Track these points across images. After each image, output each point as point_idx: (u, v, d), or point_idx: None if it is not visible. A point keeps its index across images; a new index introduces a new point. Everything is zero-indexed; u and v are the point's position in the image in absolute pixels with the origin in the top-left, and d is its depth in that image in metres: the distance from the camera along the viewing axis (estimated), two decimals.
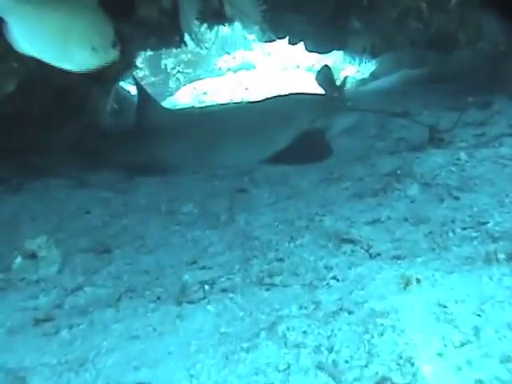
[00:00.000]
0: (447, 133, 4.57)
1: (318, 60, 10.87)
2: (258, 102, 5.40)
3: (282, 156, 4.65)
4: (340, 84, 4.75)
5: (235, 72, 13.29)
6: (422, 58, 7.70)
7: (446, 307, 1.90)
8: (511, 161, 3.65)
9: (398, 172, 3.84)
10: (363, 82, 9.25)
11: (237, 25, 6.11)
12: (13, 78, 3.16)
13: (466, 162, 3.83)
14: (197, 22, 4.45)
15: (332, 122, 5.06)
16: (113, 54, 2.57)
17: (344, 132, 5.35)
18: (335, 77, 4.81)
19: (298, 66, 12.90)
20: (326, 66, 4.66)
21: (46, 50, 2.40)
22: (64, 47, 2.41)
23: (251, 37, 11.83)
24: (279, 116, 4.89)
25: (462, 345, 1.72)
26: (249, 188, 4.09)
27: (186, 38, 5.43)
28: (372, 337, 1.82)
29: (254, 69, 13.54)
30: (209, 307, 2.23)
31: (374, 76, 9.05)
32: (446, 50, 6.27)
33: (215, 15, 4.92)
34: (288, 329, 1.95)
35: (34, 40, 2.34)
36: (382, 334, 1.81)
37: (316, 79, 4.59)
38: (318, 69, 4.75)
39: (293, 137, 4.76)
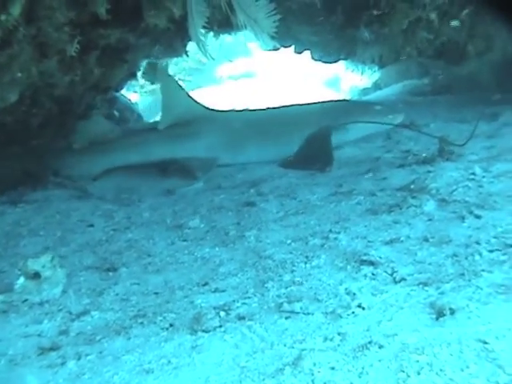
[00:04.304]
0: (458, 146, 4.46)
1: (323, 69, 10.77)
2: (280, 107, 5.52)
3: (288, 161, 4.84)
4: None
5: (236, 80, 13.23)
6: (427, 68, 7.63)
7: (486, 343, 1.76)
8: None
9: (412, 186, 3.71)
10: (366, 91, 9.16)
11: (239, 33, 6.01)
12: (16, 88, 3.02)
13: (483, 177, 3.72)
14: (203, 31, 4.35)
15: (348, 129, 5.09)
16: None
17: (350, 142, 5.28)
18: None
19: (301, 75, 12.81)
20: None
21: None
22: None
23: (253, 45, 11.73)
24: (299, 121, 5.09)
25: None
26: (256, 201, 3.97)
27: (191, 46, 5.35)
28: (408, 376, 1.67)
29: (255, 77, 13.47)
30: (226, 337, 2.08)
31: (376, 86, 8.96)
32: (455, 61, 6.18)
33: (222, 24, 4.82)
34: (315, 364, 1.80)
35: None
36: (418, 373, 1.67)
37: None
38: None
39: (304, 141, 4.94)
